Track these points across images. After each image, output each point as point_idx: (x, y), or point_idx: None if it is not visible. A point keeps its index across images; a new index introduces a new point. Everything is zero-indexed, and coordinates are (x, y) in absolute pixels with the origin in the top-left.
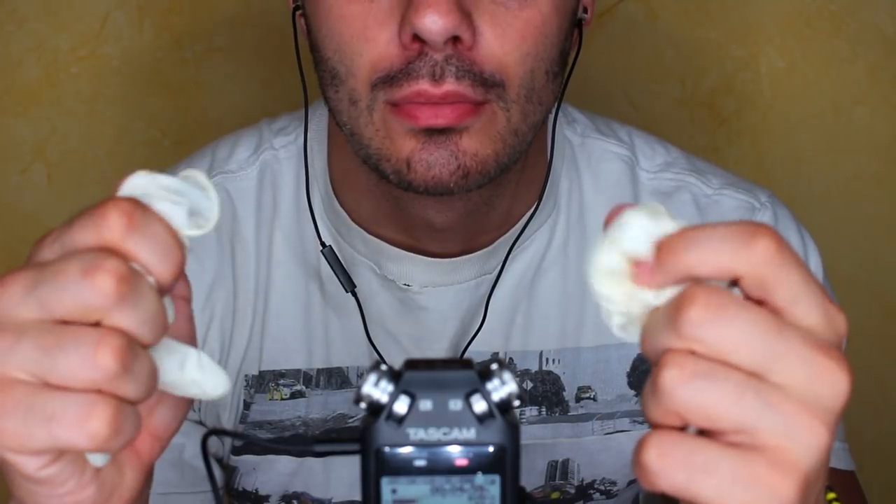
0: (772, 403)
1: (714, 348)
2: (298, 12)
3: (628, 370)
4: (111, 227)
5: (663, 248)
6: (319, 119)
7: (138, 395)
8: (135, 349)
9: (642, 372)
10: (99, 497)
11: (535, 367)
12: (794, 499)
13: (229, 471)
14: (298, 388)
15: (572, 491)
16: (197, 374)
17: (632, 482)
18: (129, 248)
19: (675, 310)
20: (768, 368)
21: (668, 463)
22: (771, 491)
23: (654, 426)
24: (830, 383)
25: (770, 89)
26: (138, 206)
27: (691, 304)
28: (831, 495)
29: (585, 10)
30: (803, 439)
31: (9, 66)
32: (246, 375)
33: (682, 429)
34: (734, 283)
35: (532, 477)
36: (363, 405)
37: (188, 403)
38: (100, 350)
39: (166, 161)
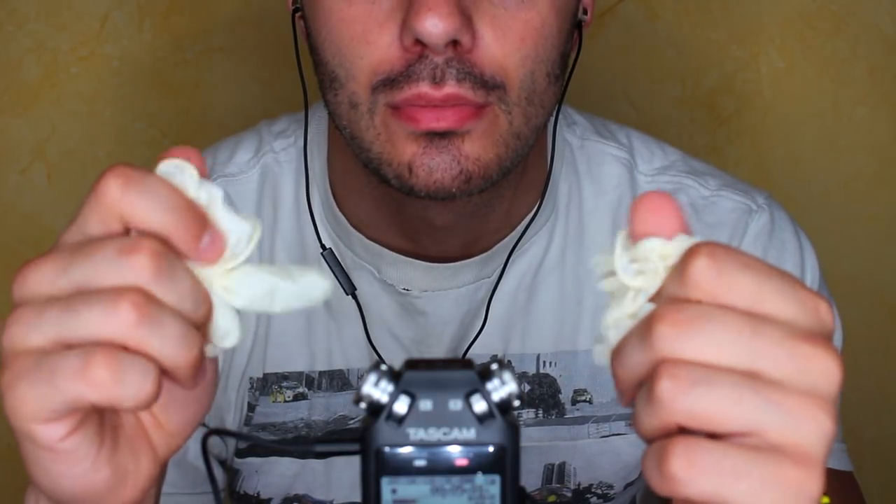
0: (772, 400)
1: (695, 359)
2: (298, 14)
3: None
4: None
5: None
6: (319, 121)
7: (167, 351)
8: (157, 303)
9: None
10: (112, 481)
11: (532, 370)
12: (818, 493)
13: (232, 473)
14: (301, 390)
15: (569, 494)
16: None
17: (628, 485)
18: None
19: (645, 329)
20: (755, 366)
21: (697, 471)
22: (799, 489)
23: (650, 437)
24: (821, 371)
25: (770, 89)
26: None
27: (659, 321)
28: (825, 500)
29: (585, 12)
30: (811, 431)
31: (9, 66)
32: (250, 378)
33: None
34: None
35: (529, 480)
36: (363, 405)
37: (203, 404)
38: (120, 304)
39: None
